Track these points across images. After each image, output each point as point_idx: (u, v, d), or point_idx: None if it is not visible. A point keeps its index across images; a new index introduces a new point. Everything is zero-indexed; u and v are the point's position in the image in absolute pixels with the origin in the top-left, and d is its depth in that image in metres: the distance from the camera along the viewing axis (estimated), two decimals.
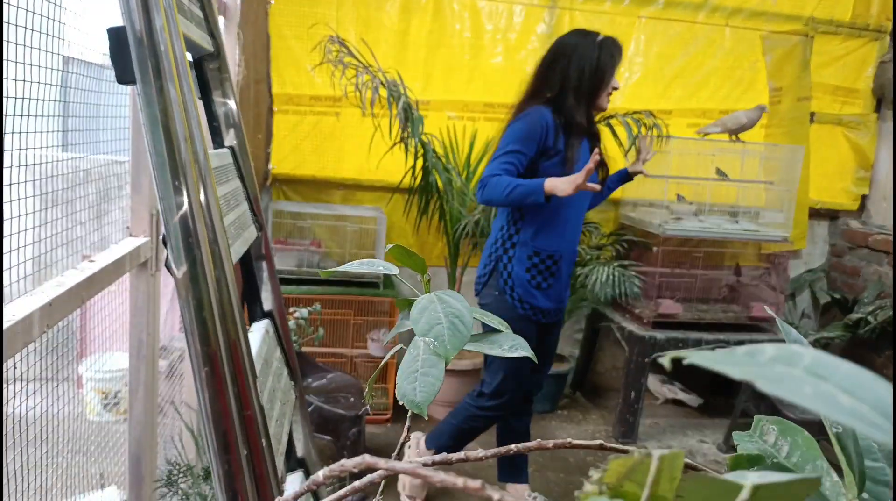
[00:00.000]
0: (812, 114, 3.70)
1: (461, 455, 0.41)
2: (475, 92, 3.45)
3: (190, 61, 1.14)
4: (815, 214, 3.84)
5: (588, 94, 2.07)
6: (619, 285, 3.02)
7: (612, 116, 3.17)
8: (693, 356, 0.23)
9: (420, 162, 3.04)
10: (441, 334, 0.51)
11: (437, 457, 0.40)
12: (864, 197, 3.85)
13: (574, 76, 2.05)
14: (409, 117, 2.87)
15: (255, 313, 1.22)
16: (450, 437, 2.29)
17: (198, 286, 0.78)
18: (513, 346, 0.54)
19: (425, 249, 3.59)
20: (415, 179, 3.10)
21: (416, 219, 3.29)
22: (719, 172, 3.21)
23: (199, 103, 1.11)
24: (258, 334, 1.13)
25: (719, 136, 3.22)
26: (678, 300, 3.32)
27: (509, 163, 1.99)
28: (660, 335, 3.13)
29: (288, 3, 3.26)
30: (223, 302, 0.79)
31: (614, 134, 3.19)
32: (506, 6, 3.42)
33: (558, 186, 1.91)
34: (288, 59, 3.33)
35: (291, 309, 2.16)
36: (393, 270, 0.60)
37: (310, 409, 2.10)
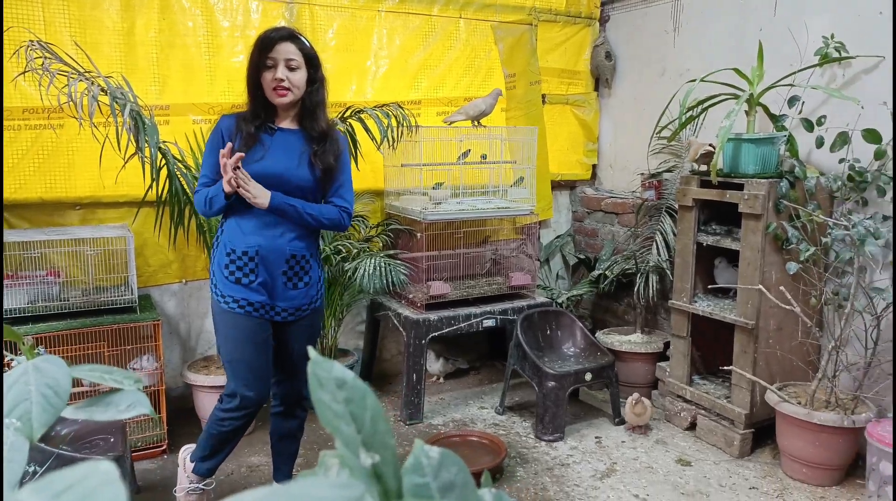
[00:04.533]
0: (544, 95, 4.09)
1: None
2: (220, 93, 3.29)
3: None
4: (557, 185, 4.27)
5: (252, 90, 2.19)
6: (386, 275, 3.10)
7: (361, 111, 3.22)
8: None
9: (164, 171, 2.83)
10: (27, 411, 0.46)
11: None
12: (594, 166, 4.36)
13: (246, 78, 2.20)
14: (141, 125, 2.65)
15: None
16: (203, 447, 2.25)
17: None
18: (130, 405, 0.51)
19: (187, 262, 3.37)
20: (161, 190, 2.88)
21: (170, 232, 3.07)
22: (463, 154, 3.41)
23: None
24: None
25: (464, 122, 3.43)
26: (447, 280, 3.49)
27: (203, 175, 2.21)
28: (433, 316, 3.27)
29: None
30: None
31: (366, 128, 3.24)
32: (241, 2, 3.28)
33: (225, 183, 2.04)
34: None
35: (9, 358, 1.89)
36: None
37: (51, 462, 1.87)
